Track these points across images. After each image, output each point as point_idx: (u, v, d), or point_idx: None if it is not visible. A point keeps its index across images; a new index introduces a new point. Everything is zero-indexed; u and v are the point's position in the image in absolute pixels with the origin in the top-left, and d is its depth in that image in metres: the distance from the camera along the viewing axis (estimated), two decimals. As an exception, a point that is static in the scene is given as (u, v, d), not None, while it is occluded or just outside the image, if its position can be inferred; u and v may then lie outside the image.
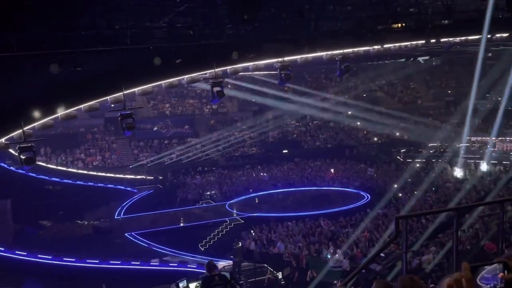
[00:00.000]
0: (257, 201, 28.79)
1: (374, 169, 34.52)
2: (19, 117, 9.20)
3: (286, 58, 12.51)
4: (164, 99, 41.00)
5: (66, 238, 22.39)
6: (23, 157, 9.49)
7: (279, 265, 18.41)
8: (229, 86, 42.36)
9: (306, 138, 41.62)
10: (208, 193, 30.40)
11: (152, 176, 32.88)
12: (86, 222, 25.02)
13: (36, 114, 10.11)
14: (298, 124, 42.84)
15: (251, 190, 30.34)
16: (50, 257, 17.74)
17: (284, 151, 38.67)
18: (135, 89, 11.93)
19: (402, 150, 38.00)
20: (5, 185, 22.06)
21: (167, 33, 10.71)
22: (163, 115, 39.69)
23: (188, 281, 12.13)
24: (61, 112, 10.59)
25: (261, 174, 34.58)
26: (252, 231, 23.26)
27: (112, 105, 11.62)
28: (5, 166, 25.31)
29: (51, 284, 16.72)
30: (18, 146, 9.48)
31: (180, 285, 9.63)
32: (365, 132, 43.39)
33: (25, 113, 9.30)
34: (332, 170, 34.36)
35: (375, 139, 42.48)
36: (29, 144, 9.60)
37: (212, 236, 24.06)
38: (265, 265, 18.76)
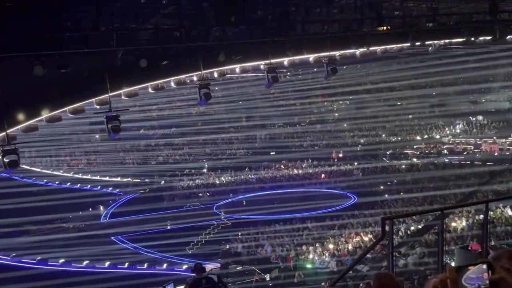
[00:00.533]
0: (244, 203, 28.76)
1: (360, 171, 34.81)
2: (2, 119, 9.03)
3: (273, 60, 12.55)
4: (151, 101, 40.65)
5: (52, 241, 22.06)
6: (7, 160, 9.32)
7: (267, 267, 18.40)
8: (217, 88, 42.44)
9: (293, 140, 41.75)
10: (196, 195, 30.27)
11: (138, 179, 32.63)
12: (71, 225, 24.68)
13: (20, 116, 9.96)
14: (285, 126, 43.00)
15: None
16: (35, 261, 17.46)
17: (271, 153, 38.77)
18: (121, 91, 11.83)
19: (388, 152, 38.37)
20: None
21: (154, 35, 10.66)
22: (150, 118, 39.39)
23: (175, 285, 12.04)
24: (45, 114, 10.44)
25: (249, 176, 34.57)
26: (239, 234, 23.23)
27: (98, 107, 11.53)
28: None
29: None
30: (1, 149, 9.30)
31: (167, 288, 9.56)
32: (351, 134, 43.74)
33: (9, 115, 9.15)
34: (323, 175, 34.20)
35: (362, 140, 42.84)
36: (13, 147, 9.43)
37: (199, 239, 23.97)
38: (253, 267, 18.74)
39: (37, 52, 8.59)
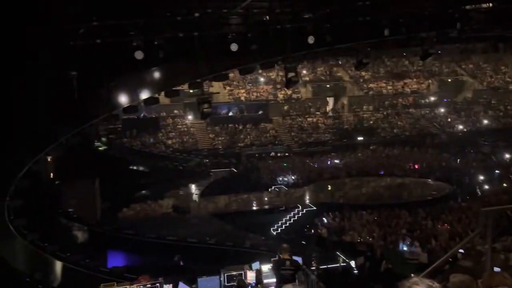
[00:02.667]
0: (329, 188, 28.44)
1: (458, 159, 32.33)
2: (108, 100, 9.87)
3: (362, 42, 12.09)
4: (239, 85, 41.72)
5: (148, 217, 23.88)
6: (110, 137, 10.20)
7: (352, 254, 18.06)
8: (304, 72, 42.19)
9: (383, 125, 40.08)
10: (281, 178, 30.58)
11: (226, 159, 33.81)
12: (166, 203, 26.46)
13: (123, 98, 10.76)
14: (375, 110, 41.37)
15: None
16: (133, 233, 19.00)
17: (359, 138, 37.61)
18: (212, 75, 12.24)
19: (489, 140, 35.11)
20: (94, 164, 23.81)
21: (243, 19, 10.80)
22: (238, 101, 40.43)
23: (261, 263, 12.37)
24: (144, 97, 11.16)
25: (335, 161, 34.02)
26: (324, 219, 23.06)
27: (191, 91, 12.06)
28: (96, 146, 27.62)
29: (134, 257, 17.98)
30: (106, 127, 10.15)
31: (253, 266, 9.86)
32: (448, 119, 40.76)
33: (113, 98, 9.98)
34: (416, 166, 32.10)
35: (460, 127, 39.71)
36: (116, 126, 10.25)
37: (284, 221, 24.26)
38: (337, 253, 18.51)
39: (136, 37, 9.19)
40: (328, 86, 42.59)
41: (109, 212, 23.63)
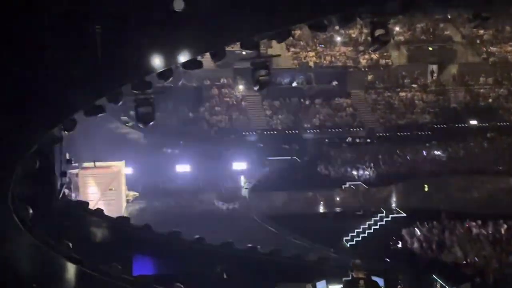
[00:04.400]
0: (426, 188, 27.76)
1: None
2: (138, 63, 10.07)
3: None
4: (307, 46, 41.35)
5: (184, 214, 24.57)
6: (140, 112, 10.39)
7: (454, 278, 17.62)
8: (398, 28, 41.01)
9: (507, 104, 38.24)
10: (359, 172, 30.22)
11: (286, 145, 33.88)
12: (207, 197, 27.07)
13: (156, 61, 10.91)
14: (496, 83, 39.54)
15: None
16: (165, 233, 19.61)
17: (472, 122, 36.19)
18: (272, 32, 12.06)
19: None
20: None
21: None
22: (306, 67, 40.16)
23: (328, 283, 12.34)
24: (183, 59, 11.25)
25: (436, 152, 32.99)
26: (417, 229, 22.66)
27: (244, 53, 12.00)
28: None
29: (165, 264, 18.61)
30: (134, 97, 10.36)
31: (318, 286, 9.86)
32: None
33: (142, 60, 10.16)
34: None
35: None
36: (147, 96, 10.42)
37: (361, 229, 24.12)
38: (434, 276, 18.17)
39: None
40: (430, 49, 41.25)
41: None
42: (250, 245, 18.60)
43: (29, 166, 10.07)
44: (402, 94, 39.36)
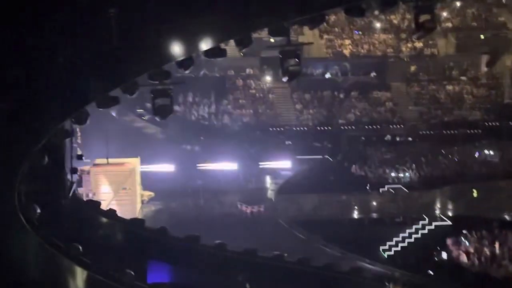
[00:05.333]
0: (475, 194, 27.43)
1: None
2: (156, 51, 10.14)
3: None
4: (343, 33, 41.11)
5: (205, 217, 24.73)
6: (157, 104, 10.48)
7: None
8: (445, 14, 40.49)
9: None
10: (399, 174, 30.02)
11: (318, 143, 33.80)
12: (229, 199, 27.17)
13: (176, 48, 10.97)
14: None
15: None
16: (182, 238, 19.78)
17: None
18: (303, 17, 12.04)
19: None
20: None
21: None
22: (340, 56, 39.95)
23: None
24: (205, 47, 11.31)
25: (487, 153, 32.56)
26: (464, 239, 22.43)
27: (272, 40, 12.01)
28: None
29: (182, 271, 18.77)
30: (151, 88, 10.44)
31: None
32: None
33: (161, 47, 10.22)
34: None
35: None
36: (166, 87, 10.48)
37: (400, 238, 23.97)
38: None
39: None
40: (482, 37, 40.58)
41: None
42: (275, 252, 18.63)
43: (37, 161, 10.23)
44: (449, 87, 38.87)
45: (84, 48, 9.61)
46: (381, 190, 28.31)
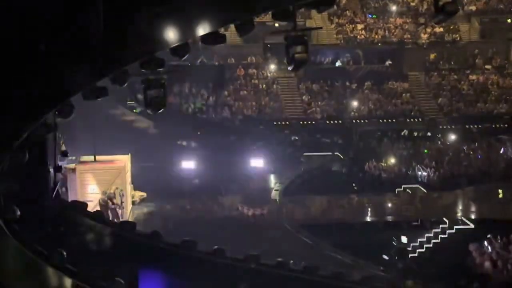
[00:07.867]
0: (500, 194, 27.43)
1: None
2: (148, 36, 10.14)
3: None
4: (355, 17, 41.11)
5: (201, 220, 24.76)
6: (150, 96, 10.48)
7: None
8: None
9: None
10: (417, 173, 30.04)
11: (327, 138, 33.83)
12: (230, 200, 27.19)
13: (170, 33, 10.96)
14: None
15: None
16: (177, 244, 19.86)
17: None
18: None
19: None
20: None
21: None
22: (352, 43, 39.97)
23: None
24: (203, 32, 11.30)
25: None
26: (488, 244, 22.43)
27: (276, 25, 11.98)
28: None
29: (176, 280, 18.84)
30: (143, 78, 10.45)
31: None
32: None
33: (153, 32, 10.22)
34: None
35: None
36: (159, 77, 10.48)
37: (418, 243, 23.97)
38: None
39: None
40: (509, 21, 40.59)
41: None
42: (280, 259, 18.68)
43: (17, 159, 10.23)
44: (473, 77, 39.06)
45: (68, 33, 9.59)
46: (397, 190, 28.40)
